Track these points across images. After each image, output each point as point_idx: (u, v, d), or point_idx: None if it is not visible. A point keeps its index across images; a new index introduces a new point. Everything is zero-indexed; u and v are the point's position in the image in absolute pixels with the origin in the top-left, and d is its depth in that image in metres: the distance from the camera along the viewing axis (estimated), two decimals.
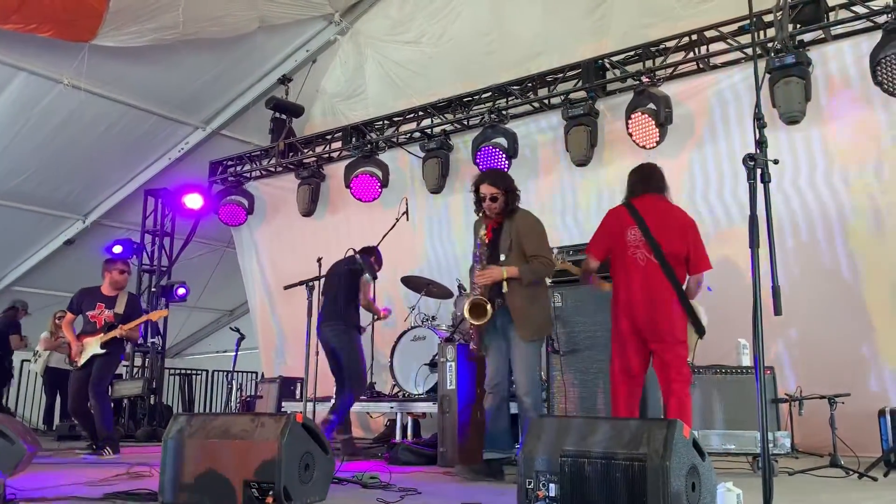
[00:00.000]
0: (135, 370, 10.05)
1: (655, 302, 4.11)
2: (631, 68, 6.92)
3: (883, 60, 5.40)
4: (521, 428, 4.71)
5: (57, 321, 10.18)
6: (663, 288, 4.11)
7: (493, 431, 4.58)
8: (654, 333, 4.12)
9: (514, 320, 4.47)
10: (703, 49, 6.55)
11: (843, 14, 5.92)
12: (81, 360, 6.10)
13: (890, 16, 5.57)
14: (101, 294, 6.28)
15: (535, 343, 4.54)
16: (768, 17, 6.08)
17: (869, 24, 5.80)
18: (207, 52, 8.80)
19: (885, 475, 4.25)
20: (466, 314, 4.46)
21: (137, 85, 8.89)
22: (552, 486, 2.68)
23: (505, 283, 4.44)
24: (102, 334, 6.07)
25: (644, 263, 4.15)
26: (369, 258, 6.02)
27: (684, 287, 4.19)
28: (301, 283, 5.73)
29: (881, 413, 4.89)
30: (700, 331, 4.23)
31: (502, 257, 4.49)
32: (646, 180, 4.39)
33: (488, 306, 4.39)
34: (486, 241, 4.54)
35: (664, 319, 4.10)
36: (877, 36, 5.58)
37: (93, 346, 6.09)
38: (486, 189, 4.57)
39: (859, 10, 5.81)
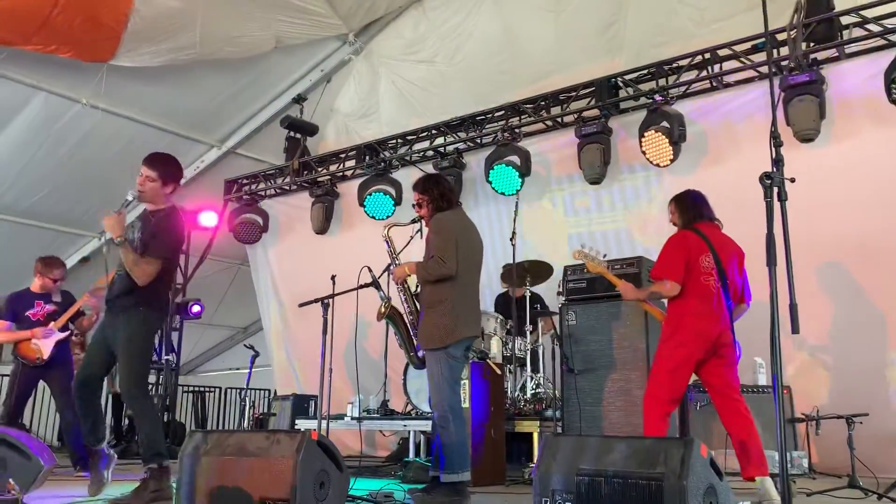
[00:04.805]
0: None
1: (726, 329, 4.20)
2: (644, 87, 6.94)
3: None
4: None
5: None
6: (728, 317, 4.23)
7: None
8: (723, 358, 4.20)
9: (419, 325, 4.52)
10: (717, 67, 6.57)
11: (857, 32, 5.93)
12: (46, 353, 5.93)
13: None
14: (33, 293, 6.16)
15: (436, 353, 4.33)
16: (782, 36, 6.09)
17: (883, 42, 5.80)
18: (223, 71, 8.91)
19: None
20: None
21: (154, 104, 9.01)
22: None
23: (412, 282, 4.58)
24: (54, 322, 5.99)
25: (715, 292, 4.21)
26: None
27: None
28: (316, 301, 5.74)
29: None
30: None
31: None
32: (704, 206, 4.47)
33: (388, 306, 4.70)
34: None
35: (731, 344, 4.22)
36: (891, 54, 5.58)
37: (52, 333, 5.97)
38: (413, 196, 4.68)
39: (873, 28, 5.81)
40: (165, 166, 4.42)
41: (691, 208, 4.46)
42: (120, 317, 4.22)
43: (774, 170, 2.65)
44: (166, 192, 4.40)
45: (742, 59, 6.40)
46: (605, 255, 4.78)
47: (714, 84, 6.65)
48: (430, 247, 4.45)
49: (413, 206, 4.73)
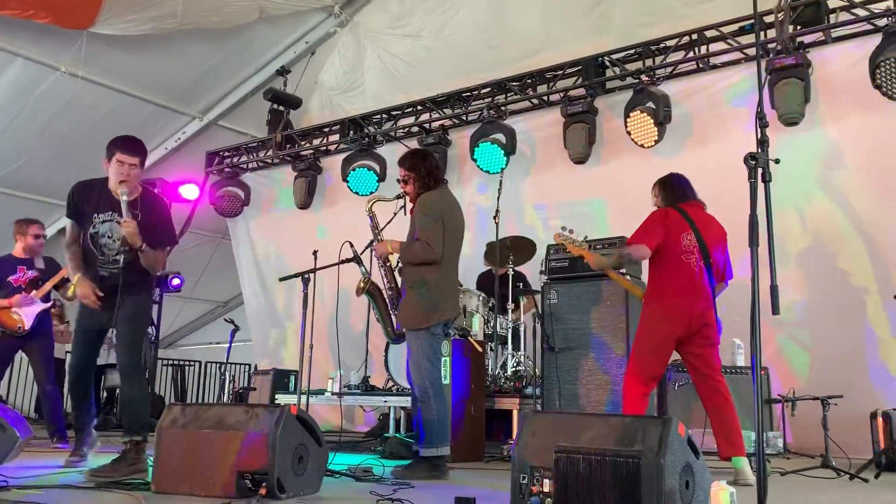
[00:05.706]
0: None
1: (708, 307, 4.24)
2: (631, 66, 6.92)
3: (882, 63, 5.42)
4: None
5: None
6: (711, 295, 4.27)
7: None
8: (706, 338, 4.24)
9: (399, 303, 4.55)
10: (703, 49, 6.55)
11: (844, 16, 5.93)
12: (28, 322, 5.85)
13: (890, 19, 5.59)
14: (16, 258, 6.07)
15: (417, 332, 4.35)
16: (769, 19, 6.08)
17: (869, 26, 5.81)
18: (206, 41, 8.75)
19: (876, 477, 4.26)
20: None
21: (135, 74, 8.84)
22: (546, 481, 2.68)
23: (393, 259, 4.59)
24: (36, 290, 5.90)
25: (697, 270, 4.24)
26: None
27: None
28: (296, 276, 5.71)
29: (873, 415, 4.91)
30: None
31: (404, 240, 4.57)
32: (688, 187, 4.49)
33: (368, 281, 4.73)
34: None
35: (714, 324, 4.26)
36: (877, 39, 5.59)
37: (34, 302, 5.90)
38: (399, 172, 4.60)
39: (860, 12, 5.82)
40: (144, 151, 4.34)
41: (674, 191, 4.48)
42: (128, 299, 4.18)
43: (759, 150, 2.64)
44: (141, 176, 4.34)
45: (729, 40, 6.39)
46: (585, 237, 4.79)
47: (700, 65, 6.64)
48: (417, 227, 4.40)
49: (398, 181, 4.67)
